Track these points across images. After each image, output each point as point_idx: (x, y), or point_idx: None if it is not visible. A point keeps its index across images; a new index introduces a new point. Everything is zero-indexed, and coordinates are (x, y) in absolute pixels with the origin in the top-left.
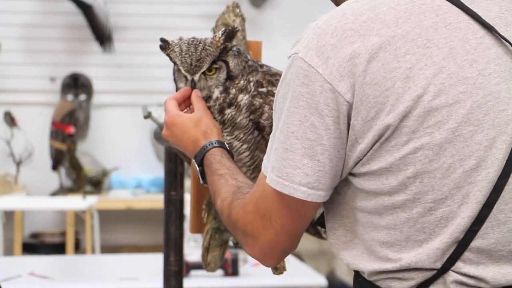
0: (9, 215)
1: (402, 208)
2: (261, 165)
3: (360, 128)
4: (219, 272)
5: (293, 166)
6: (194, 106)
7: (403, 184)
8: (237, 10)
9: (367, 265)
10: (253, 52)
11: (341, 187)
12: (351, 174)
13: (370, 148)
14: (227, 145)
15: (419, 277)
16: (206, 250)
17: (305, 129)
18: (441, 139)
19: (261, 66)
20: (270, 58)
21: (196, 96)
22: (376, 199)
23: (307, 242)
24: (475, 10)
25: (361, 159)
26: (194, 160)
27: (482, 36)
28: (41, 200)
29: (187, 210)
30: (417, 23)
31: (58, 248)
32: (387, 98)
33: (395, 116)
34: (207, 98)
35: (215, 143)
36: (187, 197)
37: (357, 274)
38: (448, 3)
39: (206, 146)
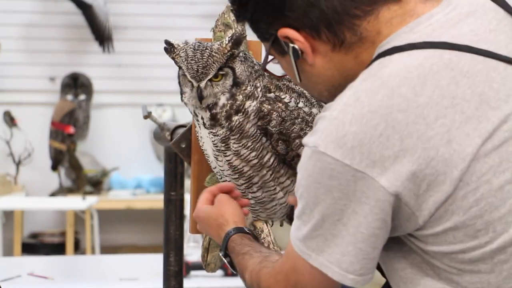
0: (8, 215)
1: (481, 260)
2: (270, 168)
3: (414, 202)
4: (219, 272)
5: (341, 252)
6: (216, 197)
7: (475, 238)
8: None
9: None
10: (253, 52)
11: (397, 243)
12: (413, 237)
13: (431, 216)
14: (246, 229)
15: None
16: (206, 250)
17: (348, 216)
18: (500, 182)
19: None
20: None
21: (220, 186)
22: (450, 259)
23: None
24: (484, 47)
25: (422, 227)
26: (220, 254)
27: (504, 68)
28: (40, 200)
29: (187, 210)
30: (435, 85)
31: (58, 248)
32: (435, 168)
33: (451, 182)
34: (213, 105)
35: (232, 231)
36: (187, 197)
37: None
38: (457, 52)
39: (226, 237)
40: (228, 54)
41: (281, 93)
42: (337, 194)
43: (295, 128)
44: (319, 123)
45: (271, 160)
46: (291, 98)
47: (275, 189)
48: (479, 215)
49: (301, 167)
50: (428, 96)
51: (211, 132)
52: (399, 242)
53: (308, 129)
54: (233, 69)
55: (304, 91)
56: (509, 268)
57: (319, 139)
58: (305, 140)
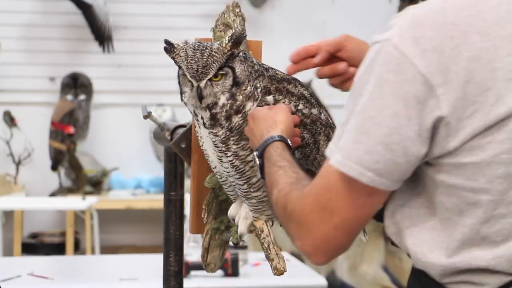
0: (8, 215)
1: (484, 207)
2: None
3: (455, 125)
4: (219, 272)
5: (364, 150)
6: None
7: (490, 183)
8: (237, 10)
9: (440, 260)
10: (253, 52)
11: (413, 180)
12: (430, 165)
13: (463, 145)
14: (289, 142)
15: (495, 282)
16: (206, 250)
17: (386, 116)
18: None
19: (267, 69)
20: (270, 58)
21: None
22: (458, 195)
23: None
24: None
25: (450, 152)
26: (255, 153)
27: None
28: (40, 200)
29: (187, 210)
30: None
31: (58, 248)
32: (486, 98)
33: (495, 117)
34: (213, 105)
35: (277, 137)
36: (187, 197)
37: (419, 274)
38: None
39: (268, 140)
40: (228, 53)
41: (281, 97)
42: (387, 90)
43: None
44: (397, 19)
45: None
46: (290, 102)
47: None
48: (506, 164)
49: (363, 63)
50: (509, 32)
51: (211, 132)
52: (414, 179)
53: (305, 131)
54: (233, 69)
55: (303, 93)
56: (505, 223)
57: (394, 33)
58: (375, 38)
